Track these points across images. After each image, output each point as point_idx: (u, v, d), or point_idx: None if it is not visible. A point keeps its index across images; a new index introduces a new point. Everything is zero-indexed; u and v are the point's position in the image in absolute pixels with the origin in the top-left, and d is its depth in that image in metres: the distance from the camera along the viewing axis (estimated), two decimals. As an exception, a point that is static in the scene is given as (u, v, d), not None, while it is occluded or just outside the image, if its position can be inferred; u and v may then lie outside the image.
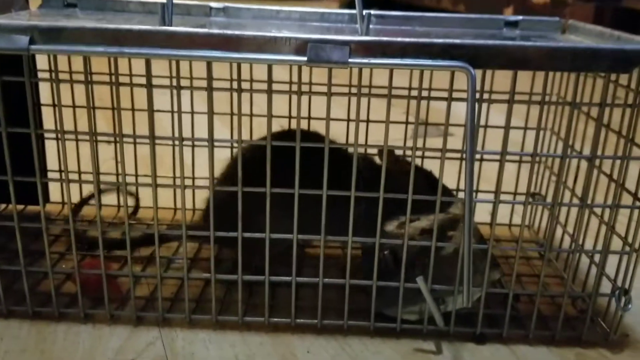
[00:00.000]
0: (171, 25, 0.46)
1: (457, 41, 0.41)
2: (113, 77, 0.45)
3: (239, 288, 0.47)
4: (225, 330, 0.48)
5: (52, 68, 0.46)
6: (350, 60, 0.41)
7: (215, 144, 0.45)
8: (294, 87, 0.61)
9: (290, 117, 0.63)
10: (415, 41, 0.41)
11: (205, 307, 0.50)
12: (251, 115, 0.64)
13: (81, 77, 0.44)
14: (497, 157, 0.44)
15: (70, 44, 0.41)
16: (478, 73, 0.41)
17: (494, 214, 0.45)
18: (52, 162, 0.63)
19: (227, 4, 0.61)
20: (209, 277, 0.47)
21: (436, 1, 2.28)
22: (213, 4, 0.61)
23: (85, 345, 0.45)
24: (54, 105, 0.59)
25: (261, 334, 0.48)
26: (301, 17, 0.61)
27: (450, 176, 0.58)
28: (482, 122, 0.61)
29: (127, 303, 0.50)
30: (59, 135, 0.45)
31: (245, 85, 0.62)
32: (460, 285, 0.46)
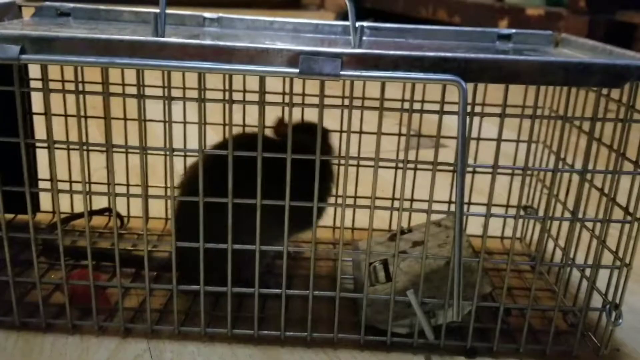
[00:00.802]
0: (164, 36, 0.46)
1: (449, 54, 0.41)
2: (104, 87, 0.44)
3: (228, 300, 0.47)
4: (214, 343, 0.48)
5: (43, 77, 0.46)
6: (342, 72, 0.41)
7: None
8: (287, 98, 0.61)
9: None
10: (407, 54, 0.41)
11: (193, 319, 0.50)
12: (244, 125, 0.64)
13: (73, 86, 0.43)
14: (489, 169, 0.44)
15: (62, 53, 0.41)
16: (470, 86, 0.41)
17: (485, 227, 0.45)
18: (43, 171, 0.63)
19: (221, 15, 0.61)
20: (197, 289, 0.47)
21: (432, 12, 2.29)
22: (207, 15, 0.61)
23: (72, 357, 0.45)
24: (45, 114, 0.59)
25: (250, 346, 0.47)
26: (295, 28, 0.61)
27: (442, 188, 0.58)
28: (475, 134, 0.61)
29: (116, 314, 0.49)
30: (49, 144, 0.44)
31: (238, 94, 0.63)
32: (451, 299, 0.46)
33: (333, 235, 0.66)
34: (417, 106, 0.51)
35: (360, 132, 0.61)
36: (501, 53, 0.54)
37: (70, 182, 0.63)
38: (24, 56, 0.41)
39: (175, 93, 0.52)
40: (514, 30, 0.59)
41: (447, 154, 0.63)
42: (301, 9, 3.52)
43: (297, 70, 0.41)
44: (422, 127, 0.62)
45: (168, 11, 0.46)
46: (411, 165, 0.61)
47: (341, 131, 0.63)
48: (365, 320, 0.48)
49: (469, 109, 0.42)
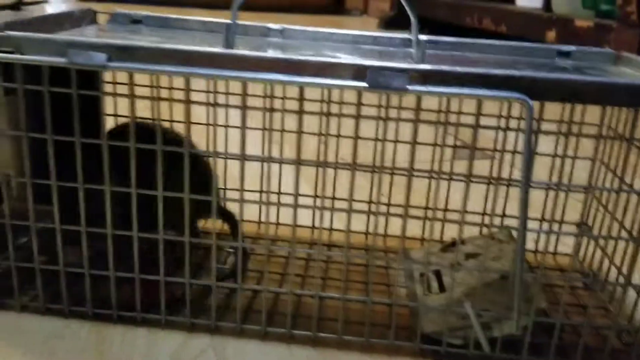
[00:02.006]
0: (233, 46, 0.48)
1: (516, 73, 0.42)
2: (186, 94, 0.47)
3: (289, 301, 0.49)
4: (274, 342, 0.49)
5: (130, 83, 0.48)
6: (409, 87, 0.42)
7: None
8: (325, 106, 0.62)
9: (320, 134, 0.64)
10: (474, 71, 0.42)
11: (254, 318, 0.52)
12: (282, 131, 0.66)
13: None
14: (553, 186, 0.45)
15: (144, 62, 0.44)
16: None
17: (537, 241, 0.46)
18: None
19: (284, 26, 0.63)
20: (260, 288, 0.49)
21: (477, 21, 2.28)
22: (271, 26, 0.63)
23: (141, 348, 0.47)
24: (115, 115, 0.62)
25: (308, 347, 0.49)
26: (354, 39, 0.63)
27: (481, 199, 0.59)
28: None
29: (180, 309, 0.52)
30: (131, 147, 0.47)
31: (278, 101, 0.65)
32: (509, 312, 0.47)
33: (384, 243, 0.67)
34: (465, 119, 0.52)
35: (396, 141, 0.62)
36: (561, 70, 0.55)
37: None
38: (110, 64, 0.43)
39: (219, 98, 0.55)
40: (574, 48, 0.59)
41: (488, 165, 0.64)
42: (344, 15, 3.54)
43: (365, 84, 0.43)
44: (464, 137, 0.63)
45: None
46: (463, 177, 0.62)
47: (376, 139, 0.63)
48: (420, 329, 0.49)
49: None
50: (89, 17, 0.63)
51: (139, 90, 0.47)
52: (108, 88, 0.66)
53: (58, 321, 0.50)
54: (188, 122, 0.46)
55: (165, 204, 0.48)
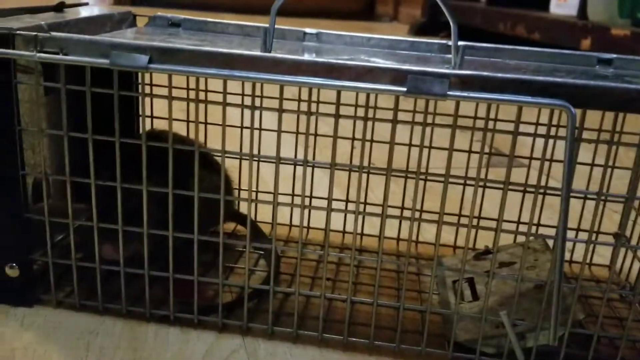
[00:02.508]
0: (271, 50, 0.48)
1: (558, 80, 0.41)
2: (224, 97, 0.47)
3: (321, 305, 0.49)
4: (305, 345, 0.50)
5: (169, 85, 0.49)
6: (449, 93, 0.42)
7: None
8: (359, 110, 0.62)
9: (353, 138, 0.64)
10: (516, 77, 0.42)
11: (285, 320, 0.52)
12: (315, 135, 0.66)
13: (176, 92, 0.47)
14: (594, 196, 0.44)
15: (185, 64, 0.44)
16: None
17: (573, 251, 0.45)
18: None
19: (320, 30, 0.63)
20: (292, 291, 0.49)
21: (510, 28, 2.26)
22: (307, 30, 0.63)
23: (173, 347, 0.48)
24: (150, 116, 0.63)
25: (339, 352, 0.49)
26: (390, 45, 0.62)
27: (528, 210, 0.58)
28: (562, 157, 0.61)
29: (212, 309, 0.52)
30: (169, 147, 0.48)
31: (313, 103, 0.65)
32: (545, 322, 0.46)
33: (416, 249, 0.67)
34: (500, 126, 0.52)
35: (430, 147, 0.62)
36: (602, 78, 0.54)
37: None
38: (151, 65, 0.44)
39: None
40: (614, 56, 0.58)
41: (523, 173, 0.63)
42: (374, 20, 3.54)
43: (404, 89, 0.43)
44: (497, 145, 0.62)
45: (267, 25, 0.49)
46: (499, 185, 0.61)
47: (410, 145, 0.63)
48: (453, 337, 0.49)
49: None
50: (128, 20, 0.64)
51: (175, 92, 0.48)
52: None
53: (93, 317, 0.51)
54: (224, 125, 0.47)
55: (188, 208, 0.48)
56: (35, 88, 0.47)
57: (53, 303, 0.52)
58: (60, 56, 0.45)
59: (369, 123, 0.48)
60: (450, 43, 0.57)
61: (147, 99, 0.57)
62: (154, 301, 0.51)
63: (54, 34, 0.45)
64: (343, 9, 3.50)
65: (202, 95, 0.60)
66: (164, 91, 0.48)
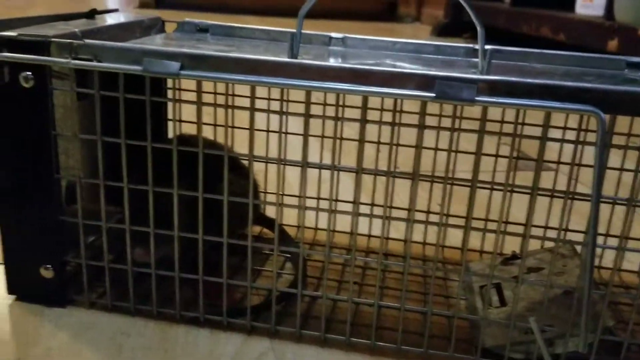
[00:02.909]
0: (298, 55, 0.49)
1: (587, 85, 0.41)
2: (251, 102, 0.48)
3: (349, 309, 0.49)
4: (332, 349, 0.50)
5: (198, 90, 0.50)
6: (477, 98, 0.42)
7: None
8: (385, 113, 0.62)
9: (379, 142, 0.64)
10: (544, 82, 0.42)
11: (312, 324, 0.52)
12: (341, 139, 0.66)
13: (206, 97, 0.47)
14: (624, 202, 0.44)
15: (214, 70, 0.45)
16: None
17: (602, 257, 0.45)
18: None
19: (346, 35, 0.64)
20: (320, 295, 0.49)
21: (535, 29, 2.24)
22: (333, 34, 0.64)
23: (203, 349, 0.49)
24: (179, 120, 0.64)
25: (366, 356, 0.49)
26: (416, 49, 0.63)
27: (556, 215, 0.58)
28: (590, 162, 0.60)
29: (240, 311, 0.53)
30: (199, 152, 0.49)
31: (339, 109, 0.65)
32: (574, 329, 0.46)
33: (443, 253, 0.67)
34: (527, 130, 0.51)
35: (457, 151, 0.61)
36: (631, 82, 0.53)
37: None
38: (183, 72, 0.45)
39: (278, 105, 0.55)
40: (644, 59, 0.58)
41: (550, 177, 0.62)
42: (396, 21, 3.53)
43: (432, 94, 0.43)
44: (524, 149, 0.62)
45: (293, 30, 0.49)
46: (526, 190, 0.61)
47: (436, 149, 0.63)
48: (481, 343, 0.49)
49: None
50: (157, 26, 0.65)
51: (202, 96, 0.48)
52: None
53: (124, 318, 0.52)
54: (251, 129, 0.47)
55: (216, 212, 0.49)
56: (70, 94, 0.48)
57: (86, 304, 0.53)
58: (94, 63, 0.46)
59: (396, 127, 0.48)
60: (476, 47, 0.57)
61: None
62: (184, 303, 0.52)
63: (87, 41, 0.46)
64: (365, 10, 3.50)
65: (229, 99, 0.61)
66: (192, 95, 0.48)
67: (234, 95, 0.60)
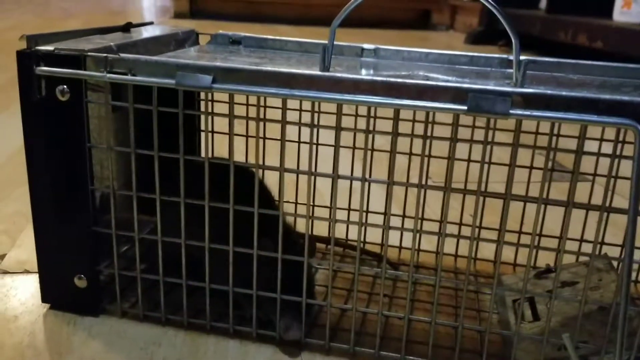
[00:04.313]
0: (330, 68, 0.49)
1: (625, 98, 0.40)
2: (283, 115, 0.48)
3: (378, 322, 0.48)
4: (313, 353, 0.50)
5: (230, 102, 0.50)
6: (511, 112, 0.41)
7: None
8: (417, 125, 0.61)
9: (411, 153, 0.63)
10: (581, 96, 0.41)
11: (341, 336, 0.52)
12: (372, 150, 0.66)
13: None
14: None
15: (247, 83, 0.45)
16: None
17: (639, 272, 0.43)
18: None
19: (378, 46, 0.63)
20: (349, 308, 0.49)
21: (572, 37, 2.20)
22: (365, 46, 0.63)
23: (234, 359, 0.49)
24: (212, 132, 0.64)
25: (396, 369, 0.49)
26: (450, 60, 0.62)
27: (591, 227, 0.56)
28: (628, 173, 0.59)
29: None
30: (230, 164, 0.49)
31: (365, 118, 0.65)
32: (609, 345, 0.45)
33: (474, 266, 0.66)
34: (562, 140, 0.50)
35: (490, 163, 0.60)
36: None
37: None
38: (215, 85, 0.45)
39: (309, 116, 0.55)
40: (685, 69, 0.56)
41: (586, 188, 0.61)
42: (430, 30, 3.51)
43: (465, 107, 0.42)
44: (559, 159, 0.60)
45: (326, 41, 0.49)
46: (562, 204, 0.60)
47: (469, 160, 0.62)
48: (513, 358, 0.48)
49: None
50: (192, 38, 0.66)
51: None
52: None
53: (155, 328, 0.52)
54: (282, 140, 0.47)
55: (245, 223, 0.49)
56: (105, 107, 0.49)
57: (118, 313, 0.54)
58: (129, 77, 0.47)
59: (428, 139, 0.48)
60: (510, 57, 0.57)
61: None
62: (214, 314, 0.52)
63: (123, 55, 0.47)
64: (399, 18, 3.49)
65: (261, 111, 0.61)
66: (224, 107, 0.49)
67: (265, 106, 0.61)
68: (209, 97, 0.62)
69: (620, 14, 2.13)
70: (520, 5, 2.61)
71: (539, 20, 2.43)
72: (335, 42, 0.63)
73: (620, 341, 0.41)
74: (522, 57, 0.56)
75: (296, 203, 0.69)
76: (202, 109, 0.57)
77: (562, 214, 0.46)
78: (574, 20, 2.21)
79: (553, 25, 2.32)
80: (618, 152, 0.45)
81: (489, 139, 0.45)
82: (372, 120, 0.62)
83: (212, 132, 0.66)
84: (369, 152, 0.65)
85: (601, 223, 0.44)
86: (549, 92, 0.41)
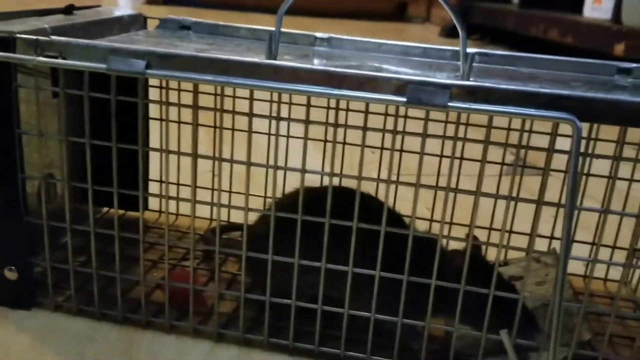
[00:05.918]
0: (277, 56, 0.47)
1: (565, 92, 0.40)
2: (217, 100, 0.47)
3: (318, 318, 0.47)
4: (301, 357, 0.48)
5: (164, 86, 0.48)
6: (450, 104, 0.40)
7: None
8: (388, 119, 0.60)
9: (382, 148, 0.62)
10: (521, 89, 0.40)
11: (283, 332, 0.51)
12: (344, 143, 0.64)
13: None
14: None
15: (184, 70, 0.43)
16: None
17: (588, 266, 0.43)
18: (154, 169, 0.66)
19: (331, 35, 0.62)
20: (289, 302, 0.48)
21: (543, 31, 2.20)
22: (318, 35, 0.62)
23: (168, 356, 0.47)
24: (161, 120, 0.62)
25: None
26: (403, 51, 0.61)
27: (545, 220, 0.56)
28: (595, 171, 0.58)
29: (210, 317, 0.51)
30: (163, 153, 0.47)
31: (341, 113, 0.63)
32: (546, 342, 0.44)
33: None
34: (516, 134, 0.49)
35: (462, 158, 0.60)
36: (619, 89, 0.51)
37: (178, 184, 0.66)
38: (148, 71, 0.43)
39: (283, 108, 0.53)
40: (634, 65, 0.56)
41: (552, 183, 0.60)
42: (406, 22, 3.51)
43: (404, 99, 0.41)
44: (528, 154, 0.59)
45: (282, 29, 0.48)
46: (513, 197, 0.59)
47: (441, 155, 0.61)
48: (455, 353, 0.47)
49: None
50: (139, 22, 0.64)
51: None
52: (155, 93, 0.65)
53: (89, 323, 0.51)
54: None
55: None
56: (35, 91, 0.47)
57: (51, 307, 0.52)
58: (58, 60, 0.44)
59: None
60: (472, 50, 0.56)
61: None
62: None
63: (53, 37, 0.45)
64: (374, 10, 3.47)
65: (228, 101, 0.59)
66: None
67: (234, 96, 0.59)
68: (164, 85, 0.60)
69: (592, 10, 2.15)
70: (495, 0, 2.61)
71: (513, 15, 2.43)
72: (288, 30, 0.62)
73: (554, 338, 0.40)
74: (472, 50, 0.55)
75: (265, 197, 0.66)
76: (157, 97, 0.55)
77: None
78: (546, 15, 2.22)
79: (526, 20, 2.33)
80: (561, 148, 0.45)
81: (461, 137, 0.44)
82: (343, 113, 0.61)
83: (167, 120, 0.64)
84: (338, 146, 0.63)
85: (539, 216, 0.43)
86: (488, 84, 0.41)
